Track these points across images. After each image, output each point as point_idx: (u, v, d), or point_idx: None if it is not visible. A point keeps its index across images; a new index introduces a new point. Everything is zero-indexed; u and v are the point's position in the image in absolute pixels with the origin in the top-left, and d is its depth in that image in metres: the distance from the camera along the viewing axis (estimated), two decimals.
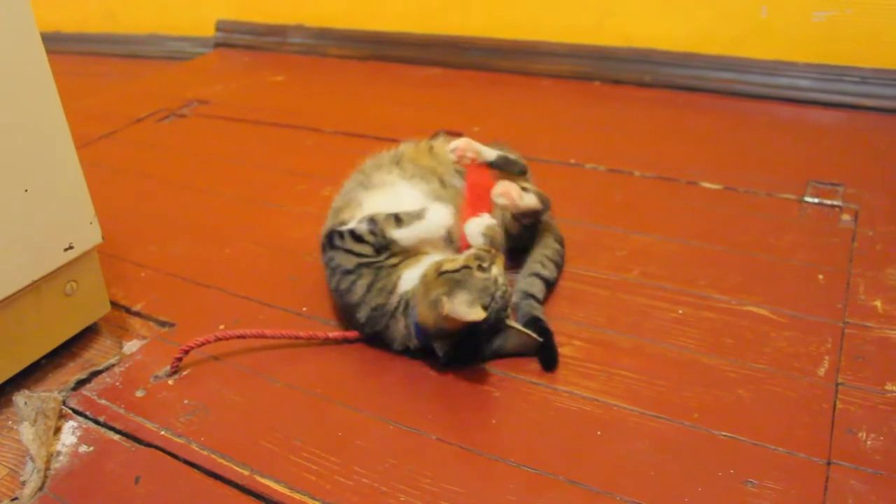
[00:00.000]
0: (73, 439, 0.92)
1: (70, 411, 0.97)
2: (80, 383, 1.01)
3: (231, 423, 0.92)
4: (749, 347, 0.99)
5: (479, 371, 0.98)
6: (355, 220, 1.03)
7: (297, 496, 0.81)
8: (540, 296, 1.07)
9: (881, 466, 0.80)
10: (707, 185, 1.41)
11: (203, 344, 1.01)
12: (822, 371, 0.94)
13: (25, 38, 0.90)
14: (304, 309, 1.12)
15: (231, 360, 1.03)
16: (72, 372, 1.03)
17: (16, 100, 0.90)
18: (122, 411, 0.95)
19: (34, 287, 0.98)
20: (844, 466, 0.80)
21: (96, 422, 0.94)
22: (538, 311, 1.04)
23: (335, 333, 1.04)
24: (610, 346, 1.01)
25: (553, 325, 1.04)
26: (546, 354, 0.98)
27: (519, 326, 0.97)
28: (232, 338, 1.02)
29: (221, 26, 2.58)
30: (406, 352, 1.00)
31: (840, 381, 0.92)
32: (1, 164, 0.90)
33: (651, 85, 1.92)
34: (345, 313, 1.05)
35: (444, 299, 0.89)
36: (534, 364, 0.98)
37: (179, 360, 1.01)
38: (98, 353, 1.07)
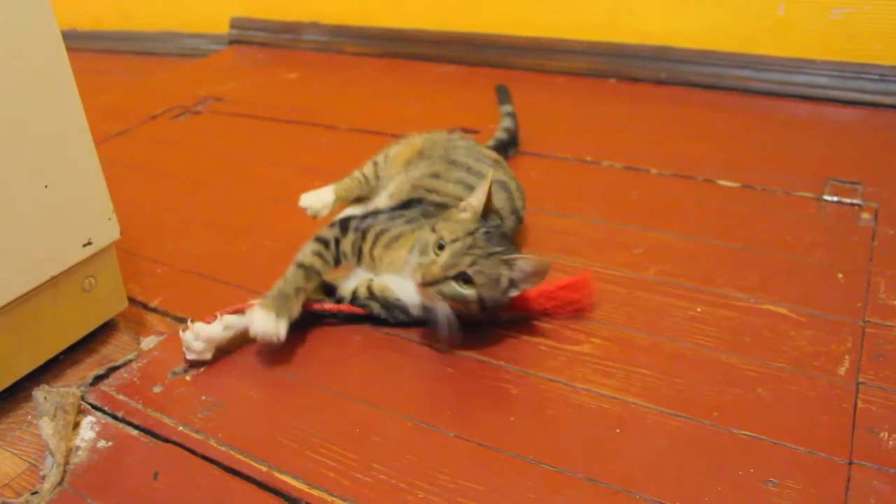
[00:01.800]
0: (92, 434, 0.92)
1: (88, 406, 0.97)
2: (98, 379, 1.01)
3: (249, 420, 0.92)
4: (768, 346, 0.98)
5: (496, 368, 0.97)
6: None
7: (315, 492, 0.81)
8: None
9: None
10: (724, 183, 1.41)
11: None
12: (842, 370, 0.93)
13: (47, 36, 0.91)
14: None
15: (248, 357, 1.03)
16: (90, 367, 1.04)
17: (37, 97, 0.91)
18: (140, 407, 0.96)
19: (53, 283, 0.98)
20: (866, 467, 0.80)
21: (115, 417, 0.95)
22: None
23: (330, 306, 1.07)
24: (628, 343, 1.00)
25: (571, 323, 1.04)
26: None
27: None
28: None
29: (236, 23, 2.58)
30: (423, 346, 1.01)
31: (861, 380, 0.91)
32: (22, 160, 0.90)
33: (667, 82, 1.91)
34: None
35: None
36: (552, 361, 0.98)
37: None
38: (116, 349, 1.08)
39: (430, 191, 1.12)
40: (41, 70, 0.91)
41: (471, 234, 0.94)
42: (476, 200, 0.97)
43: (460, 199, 1.06)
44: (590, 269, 1.10)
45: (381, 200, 1.20)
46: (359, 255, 1.07)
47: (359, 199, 1.28)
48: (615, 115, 1.79)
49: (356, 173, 1.28)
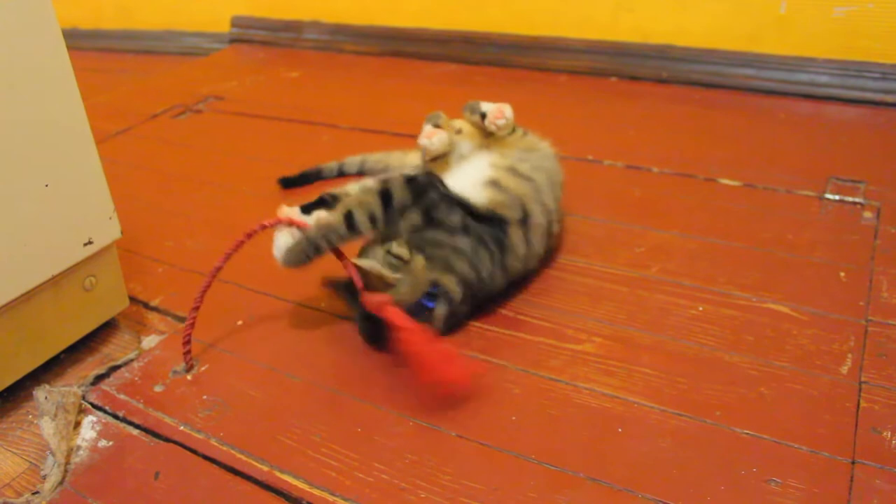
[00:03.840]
0: (93, 434, 0.92)
1: (89, 406, 0.97)
2: (99, 378, 1.01)
3: (250, 419, 0.92)
4: (770, 345, 0.98)
5: (498, 368, 0.97)
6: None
7: (316, 492, 0.81)
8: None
9: None
10: (726, 181, 1.40)
11: (193, 322, 1.01)
12: (844, 369, 0.93)
13: (47, 35, 0.90)
14: (322, 305, 1.11)
15: (249, 356, 1.03)
16: (91, 367, 1.04)
17: (38, 95, 0.90)
18: (141, 406, 0.96)
19: (53, 282, 0.98)
20: (869, 466, 0.79)
21: (115, 416, 0.95)
22: None
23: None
24: (630, 342, 1.00)
25: (572, 323, 1.04)
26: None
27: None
28: (206, 287, 1.02)
29: (237, 22, 2.58)
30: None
31: (863, 379, 0.91)
32: (23, 159, 0.90)
33: (668, 81, 1.91)
34: None
35: None
36: (554, 361, 0.98)
37: (188, 352, 1.01)
38: (117, 348, 1.07)
39: (525, 216, 1.05)
40: (42, 69, 0.90)
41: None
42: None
43: (535, 244, 1.07)
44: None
45: (468, 179, 1.07)
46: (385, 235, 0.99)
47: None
48: (616, 113, 1.79)
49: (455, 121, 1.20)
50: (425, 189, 1.00)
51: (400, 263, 0.96)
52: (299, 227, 1.00)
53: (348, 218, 0.96)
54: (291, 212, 1.02)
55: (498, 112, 1.14)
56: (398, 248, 0.97)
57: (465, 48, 2.17)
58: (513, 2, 2.10)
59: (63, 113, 0.94)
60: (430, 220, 0.99)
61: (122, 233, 1.05)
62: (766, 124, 1.66)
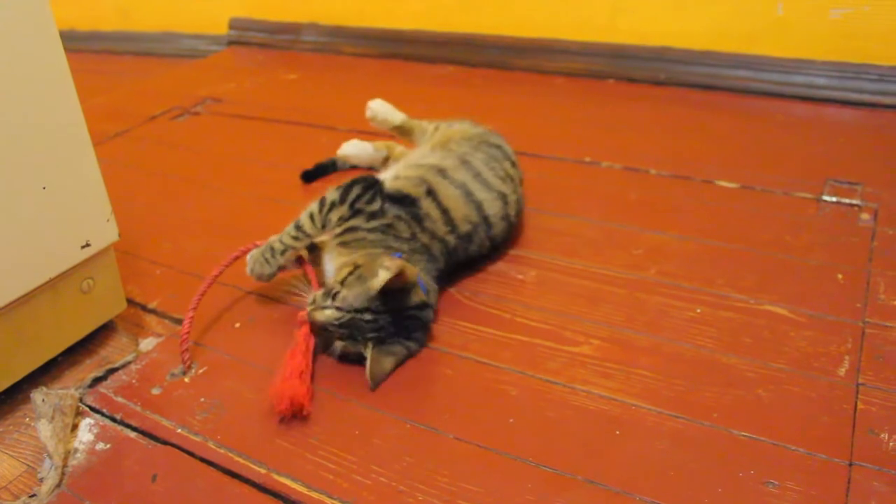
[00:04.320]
0: (91, 437, 0.92)
1: (87, 408, 0.97)
2: (97, 381, 1.01)
3: (248, 421, 0.92)
4: (768, 347, 0.98)
5: (495, 370, 0.97)
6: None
7: (314, 494, 0.81)
8: None
9: None
10: (723, 183, 1.40)
11: (190, 326, 1.03)
12: (842, 371, 0.93)
13: (45, 36, 0.90)
14: None
15: (247, 359, 1.03)
16: (88, 369, 1.04)
17: (35, 98, 0.90)
18: (138, 409, 0.95)
19: (51, 284, 0.98)
20: (867, 468, 0.80)
21: (113, 419, 0.95)
22: None
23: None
24: (628, 345, 1.00)
25: (570, 325, 1.04)
26: None
27: None
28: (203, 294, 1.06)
29: (235, 24, 2.58)
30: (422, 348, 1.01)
31: (861, 381, 0.91)
32: (20, 161, 0.90)
33: (665, 83, 1.91)
34: None
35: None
36: (551, 363, 0.98)
37: (186, 351, 1.01)
38: (114, 351, 1.07)
39: (430, 189, 1.12)
40: (39, 70, 0.90)
41: (358, 311, 0.96)
42: (377, 283, 0.95)
43: (453, 210, 1.11)
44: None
45: (392, 172, 1.20)
46: (323, 227, 1.10)
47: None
48: (614, 115, 1.79)
49: (425, 122, 1.37)
50: (350, 186, 1.10)
51: (354, 272, 0.99)
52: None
53: (296, 223, 1.10)
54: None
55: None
56: (335, 280, 1.00)
57: (463, 50, 2.17)
58: (511, 4, 2.10)
59: (60, 115, 0.94)
60: (356, 211, 1.08)
61: (119, 235, 1.05)
62: (763, 126, 1.66)
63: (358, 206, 1.08)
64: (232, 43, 2.59)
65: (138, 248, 1.30)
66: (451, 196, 1.13)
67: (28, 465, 0.89)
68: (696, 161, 1.49)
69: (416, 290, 0.99)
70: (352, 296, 0.96)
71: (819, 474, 0.79)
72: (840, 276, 1.11)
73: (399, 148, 1.32)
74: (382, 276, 0.94)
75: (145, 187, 1.58)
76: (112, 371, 1.02)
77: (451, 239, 1.12)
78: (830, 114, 1.70)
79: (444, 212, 1.12)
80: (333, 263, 1.07)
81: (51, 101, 0.93)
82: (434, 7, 2.21)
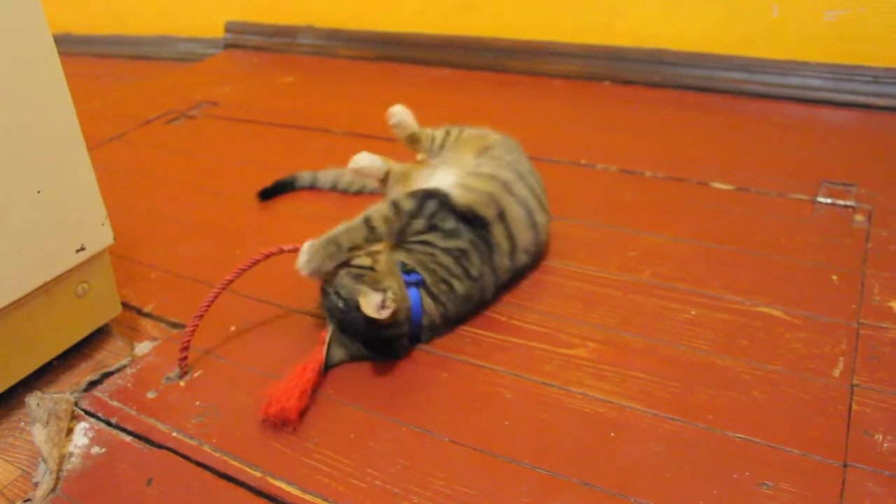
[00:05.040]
0: (86, 441, 0.92)
1: (82, 413, 0.97)
2: (92, 385, 1.01)
3: (243, 425, 0.92)
4: (763, 349, 0.98)
5: (490, 372, 0.97)
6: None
7: (309, 498, 0.81)
8: None
9: None
10: (718, 185, 1.41)
11: (193, 330, 1.01)
12: (836, 372, 0.93)
13: (38, 40, 0.90)
14: (315, 310, 1.11)
15: (242, 363, 1.03)
16: (83, 373, 1.04)
17: (29, 102, 0.90)
18: (133, 413, 0.95)
19: (46, 288, 0.98)
20: (861, 469, 0.80)
21: (108, 423, 0.94)
22: None
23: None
24: (623, 347, 1.00)
25: (566, 327, 1.04)
26: None
27: None
28: (215, 297, 1.03)
29: (231, 27, 2.58)
30: (418, 351, 1.01)
31: (855, 382, 0.91)
32: (14, 165, 0.90)
33: (661, 85, 1.92)
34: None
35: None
36: (547, 365, 0.98)
37: (185, 356, 1.01)
38: (109, 355, 1.07)
39: (501, 213, 1.08)
40: (33, 75, 0.90)
41: (338, 297, 0.98)
42: (361, 304, 0.93)
43: (518, 238, 1.09)
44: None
45: (449, 179, 1.12)
46: (399, 234, 1.05)
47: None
48: (610, 117, 1.79)
49: (429, 130, 1.27)
50: (425, 198, 1.05)
51: (364, 272, 0.97)
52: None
53: (367, 221, 1.02)
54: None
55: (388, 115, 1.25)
56: (360, 259, 0.99)
57: (460, 53, 2.18)
58: (507, 6, 2.11)
59: (55, 119, 0.94)
60: (433, 226, 1.04)
61: (114, 239, 1.05)
62: (758, 128, 1.67)
63: (435, 221, 1.04)
64: (228, 46, 2.59)
65: (134, 252, 1.30)
66: (517, 221, 1.09)
67: (23, 470, 0.89)
68: (692, 163, 1.49)
69: (400, 324, 0.99)
70: (342, 286, 0.97)
71: (814, 475, 0.79)
72: (835, 277, 1.11)
73: (397, 166, 1.29)
74: (365, 309, 0.92)
75: (141, 191, 1.58)
76: (107, 375, 1.02)
77: (502, 274, 1.09)
78: (825, 115, 1.71)
79: (510, 238, 1.08)
80: (386, 254, 1.02)
81: (45, 105, 0.93)
82: (430, 10, 2.21)
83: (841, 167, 1.43)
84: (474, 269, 1.04)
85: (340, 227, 1.02)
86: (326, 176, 1.50)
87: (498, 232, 1.07)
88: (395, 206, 1.04)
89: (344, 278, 0.98)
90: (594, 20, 1.99)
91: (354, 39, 2.36)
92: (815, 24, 1.74)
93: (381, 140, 1.54)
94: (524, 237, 1.11)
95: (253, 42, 2.54)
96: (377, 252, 1.00)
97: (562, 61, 2.04)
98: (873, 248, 1.18)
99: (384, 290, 0.94)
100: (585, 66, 2.01)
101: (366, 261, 0.99)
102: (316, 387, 0.96)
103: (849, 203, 1.31)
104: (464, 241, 1.04)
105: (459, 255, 1.03)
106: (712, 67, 1.87)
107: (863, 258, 1.15)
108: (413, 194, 1.06)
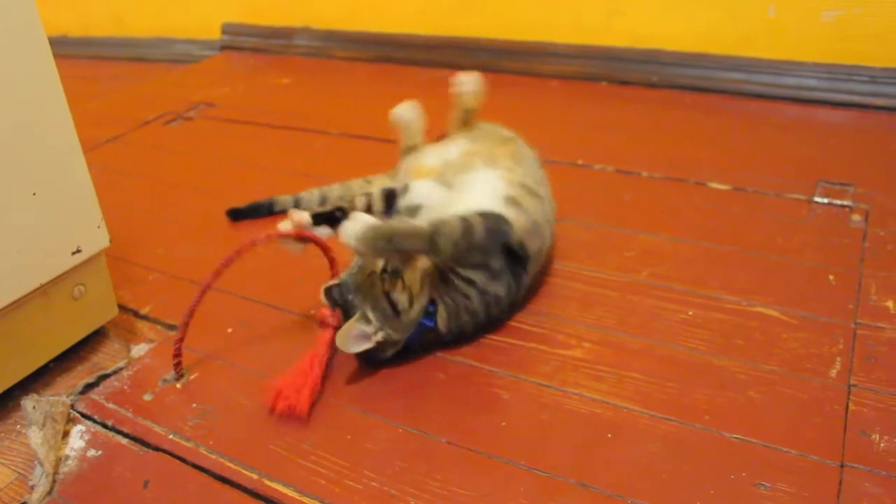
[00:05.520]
0: (82, 443, 0.92)
1: (78, 415, 0.96)
2: (89, 387, 1.01)
3: (239, 427, 0.92)
4: (760, 349, 0.98)
5: (487, 374, 0.97)
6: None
7: (306, 500, 0.81)
8: None
9: None
10: (716, 185, 1.41)
11: (183, 335, 1.00)
12: (833, 372, 0.93)
13: (33, 42, 0.90)
14: (312, 312, 1.11)
15: (239, 364, 1.02)
16: (80, 376, 1.03)
17: (24, 104, 0.90)
18: (130, 415, 0.95)
19: (42, 291, 0.98)
20: (858, 469, 0.80)
21: (104, 426, 0.94)
22: None
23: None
24: (620, 347, 1.00)
25: (563, 328, 1.04)
26: None
27: None
28: (203, 292, 1.00)
29: (227, 29, 2.58)
30: (417, 353, 1.01)
31: (852, 382, 0.91)
32: (9, 167, 0.90)
33: (658, 85, 1.91)
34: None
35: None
36: (544, 366, 0.98)
37: (178, 360, 1.00)
38: (106, 357, 1.07)
39: (541, 248, 1.08)
40: (28, 77, 0.90)
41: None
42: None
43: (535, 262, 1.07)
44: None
45: (497, 184, 1.07)
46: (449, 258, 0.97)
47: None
48: (607, 118, 1.79)
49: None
50: (496, 233, 0.99)
51: (389, 310, 0.94)
52: (310, 238, 1.03)
53: (434, 237, 0.94)
54: (302, 217, 1.06)
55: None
56: (398, 296, 0.94)
57: (456, 53, 2.18)
58: (503, 7, 2.10)
59: (50, 121, 0.94)
60: (486, 265, 0.98)
61: (111, 241, 1.05)
62: (755, 128, 1.67)
63: (490, 259, 0.98)
64: (225, 48, 2.59)
65: (130, 254, 1.30)
66: (544, 253, 1.10)
67: (19, 473, 0.89)
68: (689, 163, 1.49)
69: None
70: (367, 311, 0.94)
71: (810, 475, 0.79)
72: (832, 277, 1.11)
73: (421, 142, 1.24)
74: (343, 333, 0.93)
75: (138, 193, 1.57)
76: (104, 377, 1.02)
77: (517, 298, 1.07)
78: (822, 115, 1.71)
79: (529, 273, 1.06)
80: (423, 298, 0.97)
81: (40, 108, 0.92)
82: (427, 11, 2.21)
83: (838, 167, 1.43)
84: (495, 310, 1.02)
85: (404, 225, 0.97)
86: (311, 195, 1.39)
87: (531, 269, 1.06)
88: (468, 227, 0.96)
89: (370, 307, 0.94)
90: (593, 21, 1.99)
91: (351, 40, 2.36)
92: (813, 24, 1.74)
93: (379, 141, 1.53)
94: (537, 265, 1.10)
95: (250, 43, 2.54)
96: (418, 294, 0.95)
97: (559, 62, 2.04)
98: (870, 247, 1.18)
99: (378, 332, 0.94)
100: (583, 66, 2.01)
101: (402, 300, 0.94)
102: (323, 379, 0.95)
103: (846, 203, 1.31)
104: (502, 285, 1.00)
105: (492, 303, 1.00)
106: (710, 68, 1.87)
107: (860, 258, 1.15)
108: (487, 222, 0.98)
